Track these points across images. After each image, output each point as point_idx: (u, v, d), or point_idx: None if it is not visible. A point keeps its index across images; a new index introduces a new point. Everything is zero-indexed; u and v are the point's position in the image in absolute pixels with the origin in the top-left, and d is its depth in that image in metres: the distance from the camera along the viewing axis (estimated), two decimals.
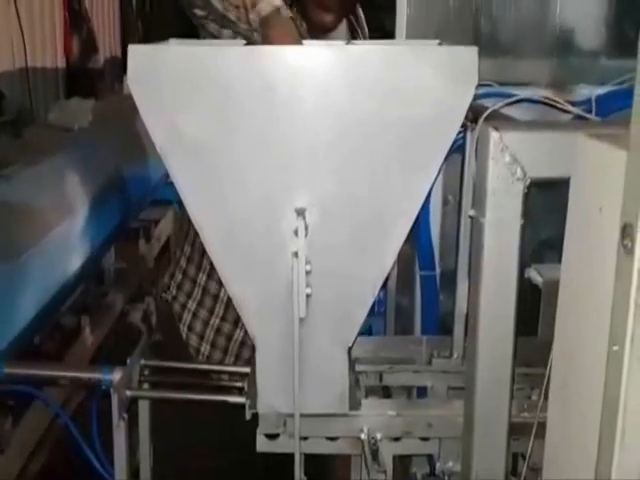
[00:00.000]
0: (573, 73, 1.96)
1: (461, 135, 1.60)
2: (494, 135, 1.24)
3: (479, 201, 1.30)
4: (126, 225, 4.13)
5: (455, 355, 1.67)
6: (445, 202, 1.92)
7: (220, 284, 2.09)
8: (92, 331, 3.48)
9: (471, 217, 1.35)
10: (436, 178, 1.49)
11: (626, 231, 0.76)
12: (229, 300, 2.05)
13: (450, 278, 1.76)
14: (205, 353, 2.16)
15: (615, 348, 0.77)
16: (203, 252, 2.10)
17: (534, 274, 1.60)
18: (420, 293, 1.86)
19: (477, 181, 1.32)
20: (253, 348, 2.10)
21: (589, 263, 0.90)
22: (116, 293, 3.98)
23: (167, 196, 4.78)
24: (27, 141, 3.36)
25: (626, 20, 1.99)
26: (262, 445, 1.57)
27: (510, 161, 1.24)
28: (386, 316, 2.19)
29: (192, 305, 2.19)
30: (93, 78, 5.83)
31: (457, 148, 1.61)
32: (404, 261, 2.02)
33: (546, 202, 1.51)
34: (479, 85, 1.42)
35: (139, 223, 4.53)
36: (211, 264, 2.00)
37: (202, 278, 2.17)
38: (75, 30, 5.78)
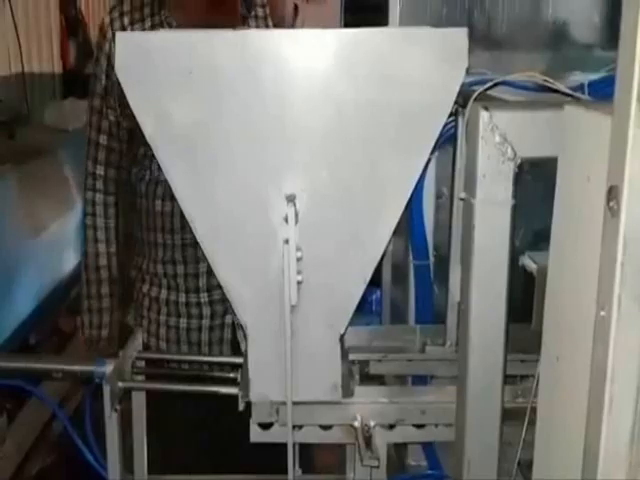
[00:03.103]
0: (567, 64, 1.96)
1: (452, 125, 1.59)
2: (484, 115, 1.24)
3: (470, 182, 1.30)
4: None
5: (448, 343, 1.66)
6: (438, 195, 1.91)
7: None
8: None
9: (462, 199, 1.34)
10: (427, 164, 1.49)
11: (612, 194, 0.75)
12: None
13: (443, 270, 1.75)
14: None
15: (602, 313, 0.77)
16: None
17: (528, 261, 1.59)
18: (414, 283, 1.85)
19: (467, 162, 1.31)
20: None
21: (577, 232, 0.89)
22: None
23: None
24: (19, 141, 3.35)
25: (620, 10, 1.99)
26: (256, 435, 1.56)
27: (500, 141, 1.23)
28: (382, 309, 2.18)
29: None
30: (89, 82, 5.83)
31: (449, 138, 1.60)
32: (398, 256, 2.01)
33: (542, 192, 1.50)
34: (472, 73, 1.42)
35: None
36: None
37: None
38: (71, 35, 5.78)
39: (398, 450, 1.78)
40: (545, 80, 1.36)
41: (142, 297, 2.23)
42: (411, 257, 1.86)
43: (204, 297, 2.15)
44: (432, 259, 1.86)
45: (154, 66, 1.38)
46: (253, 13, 2.11)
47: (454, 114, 1.53)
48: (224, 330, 2.17)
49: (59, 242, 2.99)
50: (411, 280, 1.87)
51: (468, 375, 1.39)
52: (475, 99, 1.31)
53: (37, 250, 2.71)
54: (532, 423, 1.29)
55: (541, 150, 1.23)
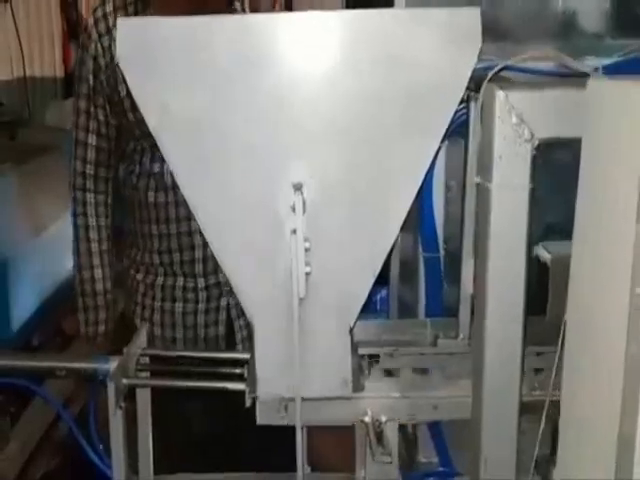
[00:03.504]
0: (577, 54, 1.92)
1: (463, 112, 1.55)
2: (500, 95, 1.20)
3: (485, 166, 1.25)
4: (122, 225, 4.08)
5: (461, 336, 1.61)
6: (448, 188, 1.87)
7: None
8: None
9: (477, 184, 1.30)
10: (438, 152, 1.44)
11: None
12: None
13: (453, 265, 1.70)
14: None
15: (638, 291, 0.72)
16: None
17: (542, 251, 1.55)
18: (424, 276, 1.80)
19: (483, 145, 1.27)
20: None
21: (605, 210, 0.85)
22: (116, 294, 3.93)
23: None
24: (20, 141, 3.35)
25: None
26: (263, 418, 1.51)
27: (517, 122, 1.19)
28: (388, 306, 2.13)
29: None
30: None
31: (459, 126, 1.56)
32: (406, 251, 1.97)
33: (551, 183, 1.46)
34: (481, 60, 1.38)
35: None
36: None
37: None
38: (73, 39, 5.78)
39: (408, 447, 1.74)
40: (562, 58, 1.31)
41: (136, 284, 2.27)
42: (420, 250, 1.82)
43: (201, 282, 2.20)
44: (442, 253, 1.82)
45: (155, 53, 1.35)
46: (232, 7, 2.19)
47: (465, 100, 1.49)
48: (219, 312, 2.22)
49: (61, 241, 2.95)
50: (421, 273, 1.83)
51: (484, 368, 1.35)
52: (489, 81, 1.27)
53: (39, 250, 2.68)
54: (549, 416, 1.26)
55: (559, 131, 1.19)
